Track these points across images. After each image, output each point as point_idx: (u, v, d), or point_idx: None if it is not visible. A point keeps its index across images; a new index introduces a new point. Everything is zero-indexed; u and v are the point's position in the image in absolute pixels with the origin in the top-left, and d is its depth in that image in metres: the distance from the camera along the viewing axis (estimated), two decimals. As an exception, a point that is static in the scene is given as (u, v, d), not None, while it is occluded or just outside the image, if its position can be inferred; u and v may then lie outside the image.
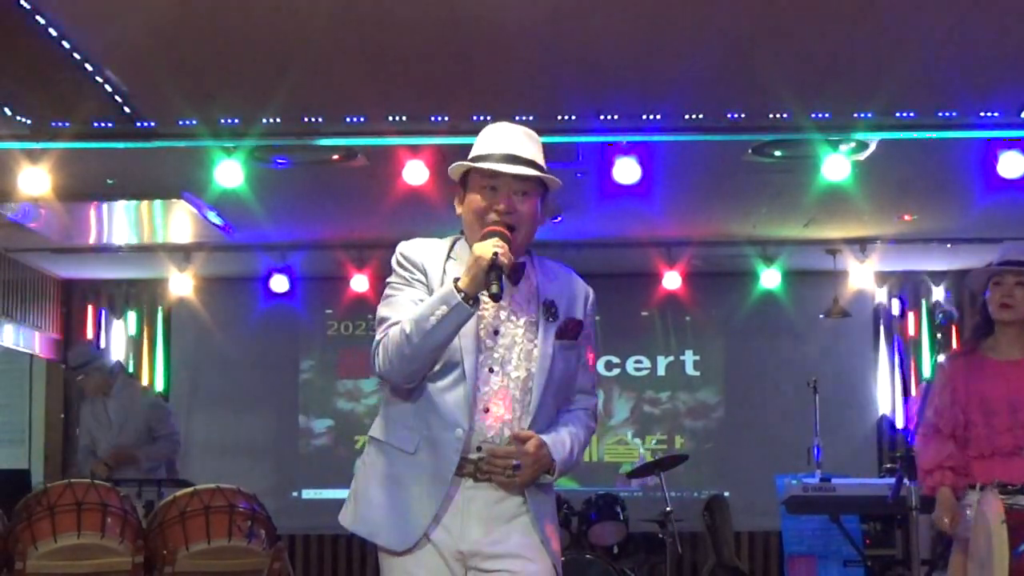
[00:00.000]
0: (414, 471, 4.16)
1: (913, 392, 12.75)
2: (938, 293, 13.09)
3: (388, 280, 4.28)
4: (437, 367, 4.14)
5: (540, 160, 4.26)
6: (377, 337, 4.16)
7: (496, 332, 4.19)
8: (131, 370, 13.16)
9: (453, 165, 4.30)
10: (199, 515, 7.33)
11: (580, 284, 4.39)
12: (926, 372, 12.66)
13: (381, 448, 4.25)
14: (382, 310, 4.21)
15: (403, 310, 4.12)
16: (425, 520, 4.11)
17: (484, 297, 4.04)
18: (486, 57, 7.06)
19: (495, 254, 3.98)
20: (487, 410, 4.15)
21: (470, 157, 4.26)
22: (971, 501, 5.98)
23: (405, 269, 4.20)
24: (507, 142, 4.24)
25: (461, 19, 6.54)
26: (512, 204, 4.17)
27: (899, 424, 12.74)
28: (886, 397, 13.14)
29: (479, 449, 4.13)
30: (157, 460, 9.51)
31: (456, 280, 4.01)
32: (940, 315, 10.71)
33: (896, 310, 13.16)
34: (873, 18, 6.64)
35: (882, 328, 13.26)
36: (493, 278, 3.96)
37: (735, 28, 6.77)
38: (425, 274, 4.17)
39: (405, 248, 4.24)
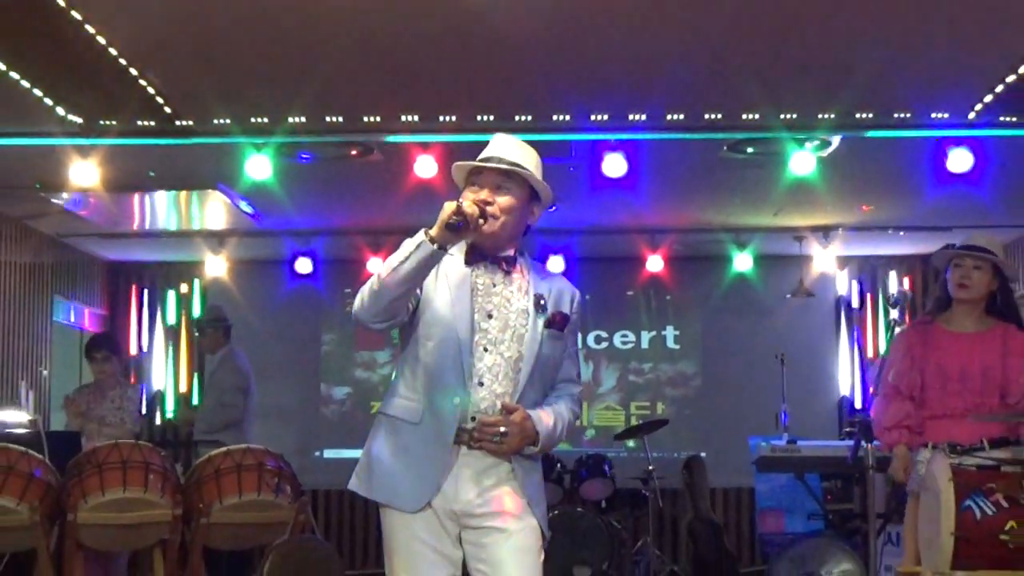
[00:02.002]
0: (420, 439, 4.18)
1: (870, 354, 12.78)
2: (892, 275, 13.13)
3: None
4: (433, 343, 4.17)
5: (527, 166, 4.27)
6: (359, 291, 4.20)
7: (490, 316, 4.21)
8: (171, 344, 13.21)
9: (456, 164, 4.34)
10: (231, 472, 7.35)
11: (568, 286, 4.42)
12: (881, 345, 12.66)
13: (391, 422, 4.27)
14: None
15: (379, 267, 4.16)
16: (434, 483, 4.14)
17: (476, 271, 4.16)
18: (489, 64, 7.07)
19: (459, 203, 4.02)
20: (481, 384, 4.17)
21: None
22: (923, 459, 6.00)
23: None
24: (499, 149, 4.29)
25: (468, 31, 6.55)
26: (492, 195, 4.20)
27: (857, 403, 12.76)
28: (846, 370, 13.15)
29: (473, 419, 4.15)
30: (215, 425, 9.48)
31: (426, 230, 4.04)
32: (894, 295, 10.76)
33: (855, 290, 13.18)
34: (836, 29, 6.65)
35: (842, 307, 13.27)
36: (454, 219, 3.98)
37: (712, 39, 6.78)
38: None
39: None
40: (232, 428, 9.57)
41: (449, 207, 4.01)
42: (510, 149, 4.28)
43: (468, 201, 4.07)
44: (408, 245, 4.04)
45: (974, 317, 6.17)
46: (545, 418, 4.22)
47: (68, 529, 7.16)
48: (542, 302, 4.27)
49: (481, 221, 4.09)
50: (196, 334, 10.23)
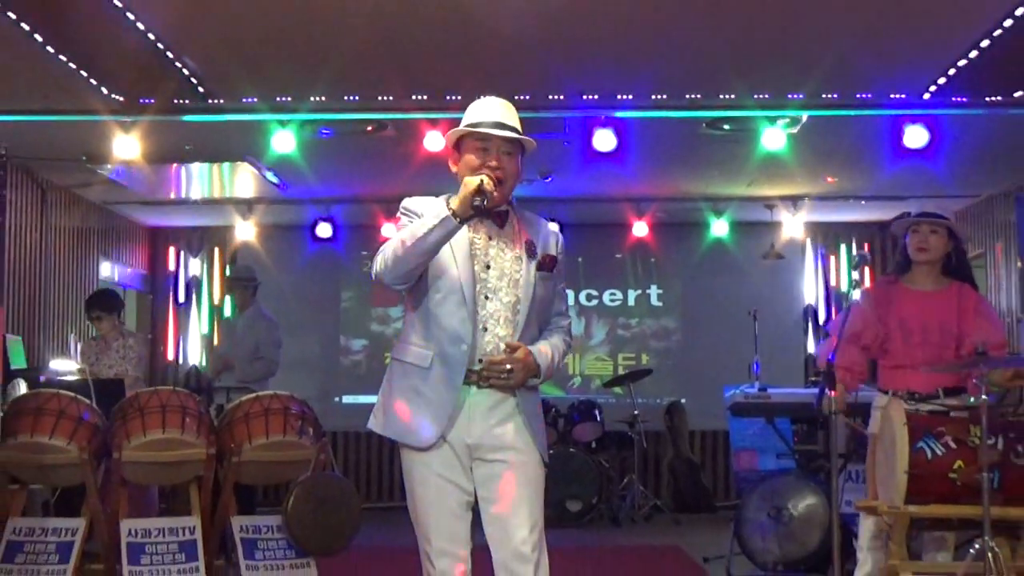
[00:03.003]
0: (430, 383, 4.18)
1: (833, 317, 12.79)
2: (854, 240, 13.14)
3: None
4: (440, 295, 4.17)
5: (519, 127, 4.26)
6: (379, 251, 4.19)
7: (488, 267, 4.20)
8: (204, 300, 13.23)
9: (451, 131, 4.31)
10: (260, 416, 7.35)
11: (552, 228, 4.41)
12: (843, 302, 12.66)
13: (403, 367, 4.26)
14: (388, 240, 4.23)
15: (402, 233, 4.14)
16: (443, 422, 4.13)
17: (473, 225, 4.14)
18: (492, 50, 7.07)
19: (481, 181, 4.02)
20: (485, 329, 4.17)
21: (464, 125, 4.27)
22: (880, 404, 6.02)
23: (407, 215, 4.22)
24: (494, 112, 4.24)
25: (473, 20, 6.56)
26: (501, 161, 4.18)
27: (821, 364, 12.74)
28: (811, 327, 13.16)
29: (480, 361, 4.15)
30: (251, 375, 9.47)
31: (449, 203, 4.05)
32: (856, 258, 10.75)
33: (820, 253, 13.18)
34: (804, 19, 6.65)
35: (808, 267, 13.27)
36: (479, 200, 3.99)
37: (692, 27, 6.78)
38: (422, 217, 4.16)
39: (407, 201, 4.27)
40: (267, 378, 9.60)
41: (471, 185, 4.01)
42: (505, 114, 4.25)
43: (487, 179, 4.05)
44: (432, 219, 4.03)
45: (932, 277, 6.17)
46: (544, 351, 4.23)
47: (113, 466, 7.18)
48: (532, 247, 4.27)
49: (495, 194, 4.09)
50: (227, 292, 10.17)
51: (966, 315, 6.06)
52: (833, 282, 13.26)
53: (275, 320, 10.34)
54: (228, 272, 11.52)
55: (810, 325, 13.09)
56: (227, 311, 12.71)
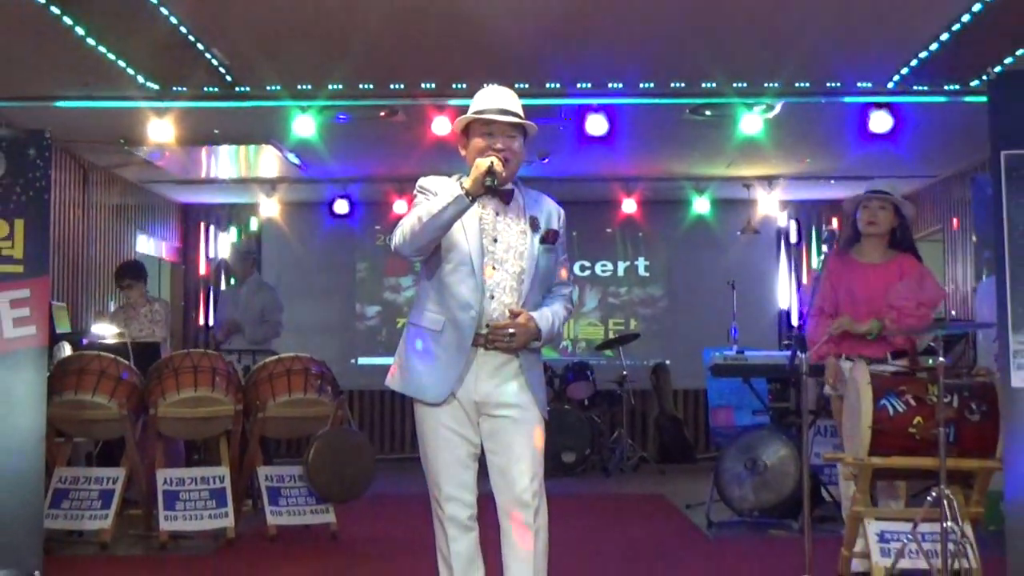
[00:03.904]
0: (442, 345, 4.18)
1: (805, 281, 12.82)
2: (825, 217, 13.13)
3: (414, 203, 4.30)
4: (451, 266, 4.17)
5: (521, 112, 4.26)
6: (398, 225, 4.19)
7: (496, 240, 4.20)
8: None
9: (459, 118, 4.29)
10: (283, 376, 7.38)
11: (554, 205, 4.39)
12: (815, 267, 12.67)
13: (418, 330, 4.26)
14: (405, 216, 4.23)
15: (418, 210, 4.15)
16: (453, 380, 4.14)
17: (482, 202, 4.13)
18: (494, 42, 7.05)
19: (491, 163, 4.02)
20: (492, 297, 4.16)
21: (471, 112, 4.25)
22: (846, 367, 6.03)
23: (422, 193, 4.22)
24: (498, 100, 4.23)
25: (476, 15, 6.55)
26: (506, 144, 4.17)
27: (794, 321, 12.78)
28: (784, 294, 13.19)
29: (487, 326, 4.15)
30: (259, 338, 9.49)
31: (461, 183, 4.05)
32: (826, 233, 10.81)
33: (793, 229, 13.16)
34: (779, 13, 6.63)
35: (782, 242, 13.27)
36: (489, 180, 3.99)
37: (677, 21, 6.76)
38: (436, 195, 4.16)
39: (423, 180, 4.26)
40: (273, 339, 9.62)
41: (482, 166, 4.00)
42: (508, 101, 4.24)
43: (496, 161, 4.05)
44: (446, 197, 4.03)
45: (880, 250, 6.17)
46: (545, 317, 4.23)
47: (149, 421, 7.20)
48: (536, 222, 4.27)
49: (503, 174, 4.09)
50: (230, 263, 10.18)
51: (907, 282, 6.06)
52: (804, 256, 13.26)
53: (276, 288, 10.37)
54: (233, 247, 11.51)
55: (786, 296, 13.12)
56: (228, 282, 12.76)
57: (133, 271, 9.30)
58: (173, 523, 7.06)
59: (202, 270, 13.47)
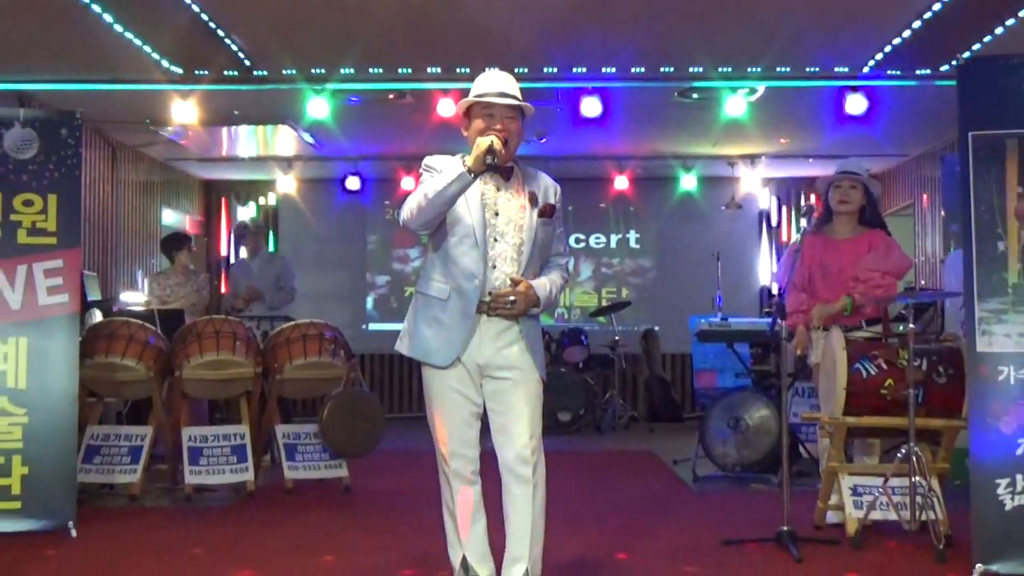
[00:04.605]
0: (448, 312, 4.18)
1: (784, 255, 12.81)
2: (803, 193, 13.10)
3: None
4: (456, 238, 4.16)
5: (519, 95, 4.24)
6: (406, 201, 4.19)
7: (497, 214, 4.19)
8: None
9: (461, 101, 4.28)
10: (299, 340, 7.38)
11: (551, 181, 4.38)
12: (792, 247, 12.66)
13: (425, 299, 4.26)
14: (412, 193, 4.22)
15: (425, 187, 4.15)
16: (458, 345, 4.14)
17: (484, 179, 4.12)
18: (494, 29, 7.02)
19: (491, 142, 4.00)
20: (494, 266, 4.16)
21: (472, 95, 4.23)
22: (820, 335, 6.03)
23: (428, 171, 4.20)
24: (497, 83, 4.21)
25: (481, 4, 6.52)
26: (505, 125, 4.16)
27: (774, 290, 12.76)
28: (766, 266, 13.18)
29: (490, 294, 4.15)
30: (277, 303, 9.50)
31: (464, 161, 4.05)
32: (804, 208, 10.79)
33: (774, 204, 13.16)
34: (761, 2, 6.61)
35: (763, 217, 13.26)
36: (490, 158, 3.99)
37: (667, 10, 6.73)
38: (441, 172, 4.15)
39: (428, 159, 4.24)
40: (289, 304, 9.64)
41: (483, 145, 3.99)
42: (507, 84, 4.23)
43: (496, 140, 4.04)
44: (450, 175, 4.02)
45: (851, 226, 6.17)
46: (543, 285, 4.23)
47: (175, 383, 7.21)
48: (534, 197, 4.26)
49: (503, 153, 4.08)
50: (248, 237, 10.18)
51: (874, 254, 6.07)
52: (784, 229, 13.25)
53: (287, 258, 10.51)
54: (247, 222, 11.52)
55: (767, 267, 13.12)
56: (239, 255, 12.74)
57: (180, 239, 9.45)
58: (197, 477, 7.08)
59: (223, 242, 13.45)
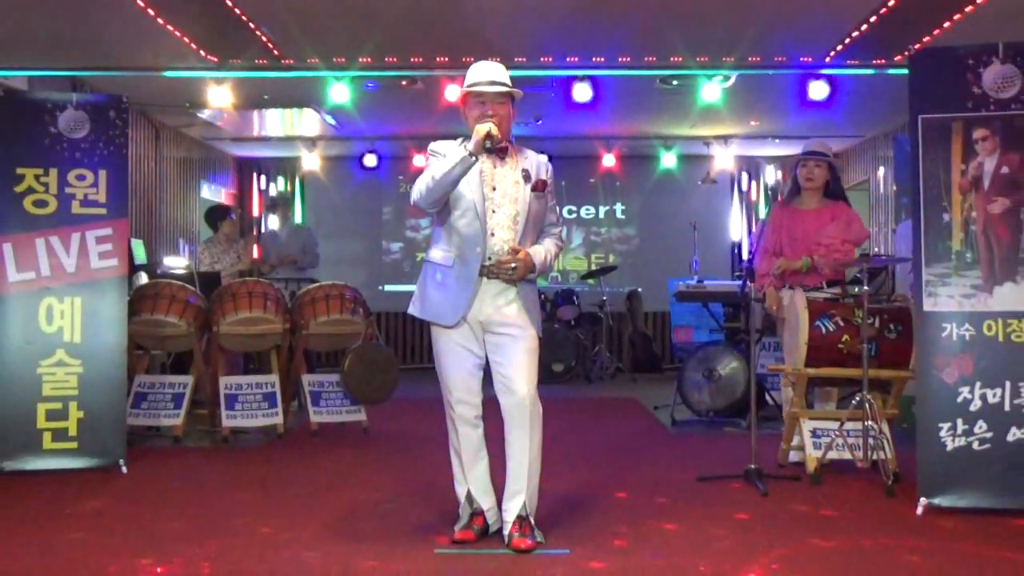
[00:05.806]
0: (453, 277, 4.20)
1: (754, 228, 12.78)
2: (770, 170, 13.07)
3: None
4: (459, 212, 4.17)
5: (508, 81, 4.24)
6: (415, 183, 4.19)
7: (494, 188, 4.20)
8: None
9: (458, 93, 4.29)
10: (323, 299, 7.37)
11: (543, 159, 4.37)
12: (762, 216, 12.65)
13: (432, 266, 4.27)
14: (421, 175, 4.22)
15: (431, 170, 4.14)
16: (463, 306, 4.16)
17: (483, 159, 4.13)
18: (497, 21, 6.98)
19: (489, 128, 4.04)
20: (493, 235, 4.17)
21: (466, 85, 4.25)
22: (786, 295, 6.03)
23: (434, 155, 4.21)
24: (487, 73, 4.23)
25: (483, 4, 6.48)
26: (495, 110, 4.17)
27: (744, 256, 12.76)
28: (737, 233, 13.17)
29: (490, 259, 4.17)
30: (306, 264, 9.53)
31: (465, 146, 4.08)
32: (774, 182, 10.75)
33: (744, 179, 13.13)
34: (736, 3, 6.58)
35: (735, 190, 13.23)
36: (488, 143, 4.03)
37: (650, 5, 6.69)
38: (445, 156, 4.16)
39: (433, 144, 4.25)
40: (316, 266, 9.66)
41: (481, 131, 4.03)
42: (496, 73, 4.24)
43: (493, 126, 4.06)
44: (453, 158, 4.05)
45: (816, 200, 6.16)
46: (539, 253, 4.24)
47: (212, 337, 7.21)
48: (527, 173, 4.26)
49: (499, 136, 4.08)
50: (271, 208, 10.21)
51: (836, 224, 6.06)
52: (753, 202, 13.22)
53: (310, 228, 10.61)
54: (277, 196, 11.56)
55: (738, 236, 13.10)
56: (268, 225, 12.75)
57: (224, 209, 9.48)
58: (233, 420, 7.10)
59: (255, 213, 13.43)
